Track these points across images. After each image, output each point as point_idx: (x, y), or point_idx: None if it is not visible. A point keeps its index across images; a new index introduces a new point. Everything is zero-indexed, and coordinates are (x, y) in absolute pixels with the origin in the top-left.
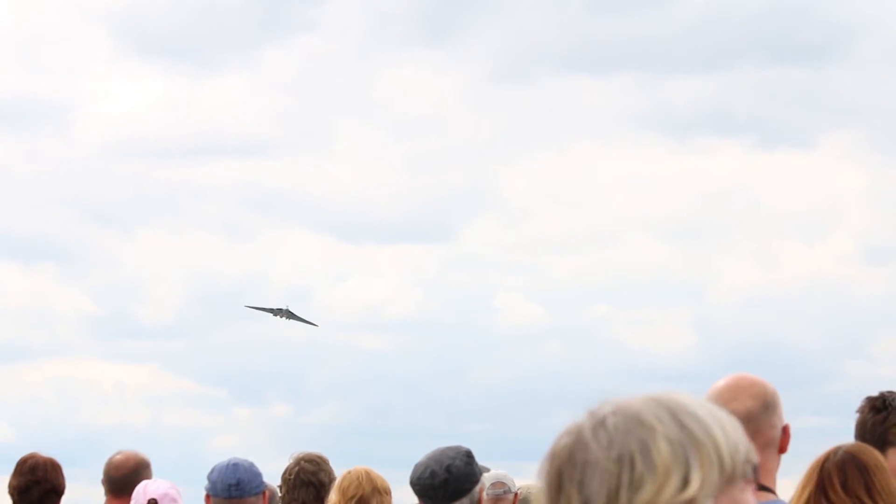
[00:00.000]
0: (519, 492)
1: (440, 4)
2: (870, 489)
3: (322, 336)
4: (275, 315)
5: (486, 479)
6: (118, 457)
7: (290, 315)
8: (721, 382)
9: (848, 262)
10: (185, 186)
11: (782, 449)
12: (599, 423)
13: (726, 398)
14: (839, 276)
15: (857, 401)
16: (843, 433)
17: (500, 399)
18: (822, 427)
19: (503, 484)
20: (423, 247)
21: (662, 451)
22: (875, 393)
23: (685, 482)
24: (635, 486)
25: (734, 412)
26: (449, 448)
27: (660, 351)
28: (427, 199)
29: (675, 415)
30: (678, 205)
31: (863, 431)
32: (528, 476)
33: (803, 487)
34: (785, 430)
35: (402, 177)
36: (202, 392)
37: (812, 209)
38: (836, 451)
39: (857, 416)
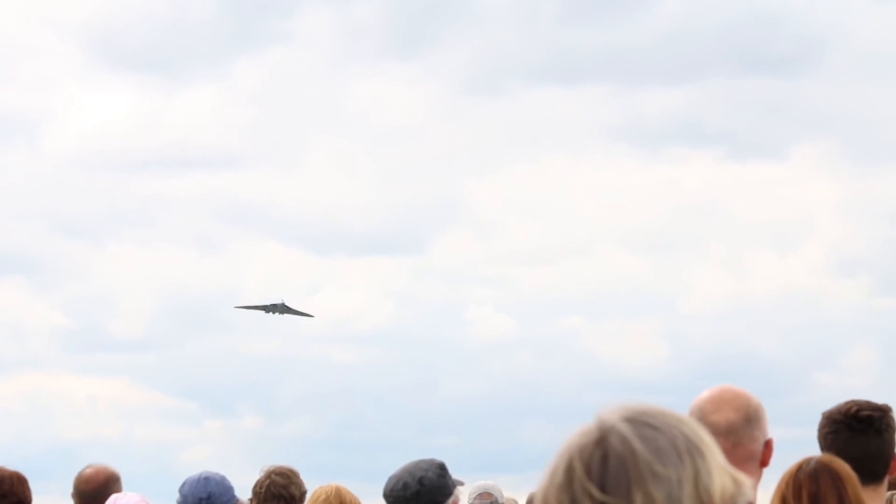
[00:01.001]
0: (505, 503)
1: (412, 17)
2: (842, 499)
3: (293, 348)
4: (267, 312)
5: (473, 490)
6: (88, 470)
7: (284, 309)
8: (705, 393)
9: (819, 273)
10: (156, 199)
11: (764, 463)
12: (630, 420)
13: (708, 409)
14: (810, 288)
15: None
16: (813, 444)
17: (471, 411)
18: (792, 438)
19: (490, 495)
20: (395, 259)
21: (706, 437)
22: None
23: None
24: (706, 471)
25: (715, 423)
26: (422, 461)
27: (631, 362)
28: (398, 212)
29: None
30: (650, 216)
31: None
32: (501, 488)
33: (775, 498)
34: (768, 444)
35: (373, 189)
36: (173, 405)
37: (784, 220)
38: (807, 461)
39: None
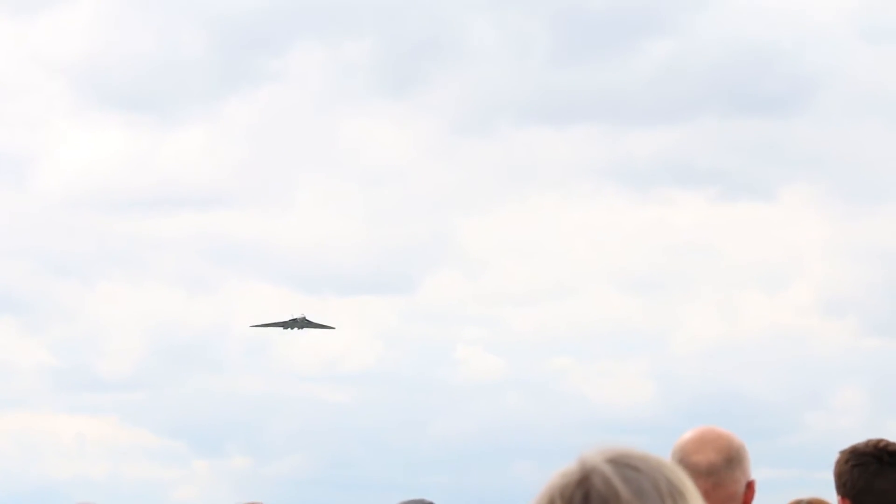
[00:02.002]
0: None
1: (402, 56)
2: None
3: (281, 388)
4: (286, 328)
5: None
6: None
7: (304, 324)
8: (687, 434)
9: (808, 313)
10: (145, 238)
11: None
12: (612, 461)
13: (690, 450)
14: (799, 328)
15: (817, 452)
16: (803, 485)
17: (459, 451)
18: (781, 479)
19: None
20: (384, 298)
21: (687, 481)
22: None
23: None
24: None
25: (697, 464)
26: (411, 500)
27: (620, 402)
28: (388, 251)
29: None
30: (639, 256)
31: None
32: None
33: None
34: (750, 486)
35: (362, 228)
36: (161, 444)
37: (773, 261)
38: (798, 502)
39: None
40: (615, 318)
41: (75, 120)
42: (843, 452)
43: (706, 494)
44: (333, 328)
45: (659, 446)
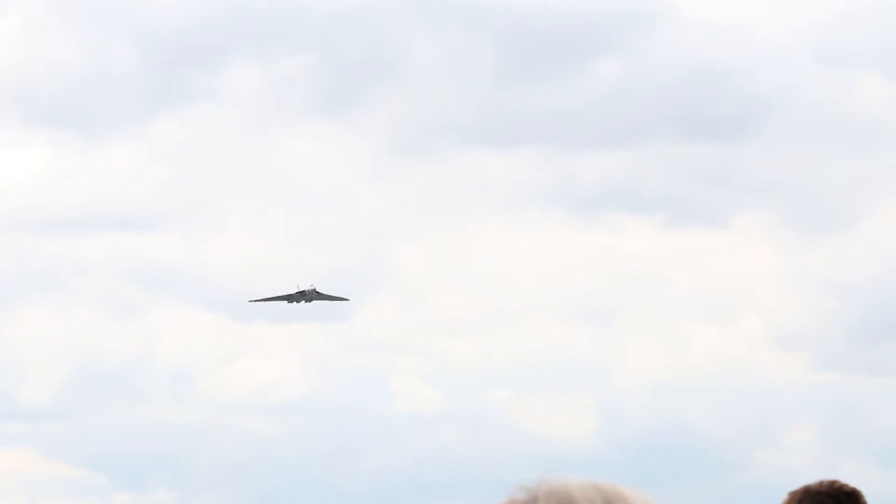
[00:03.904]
0: None
1: (340, 74)
2: None
3: (208, 418)
4: (291, 302)
5: None
6: None
7: (314, 296)
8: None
9: (758, 345)
10: (68, 261)
11: None
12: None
13: None
14: (749, 361)
15: (768, 491)
16: None
17: (393, 486)
18: None
19: None
20: (317, 326)
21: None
22: (793, 486)
23: None
24: None
25: None
26: None
27: (562, 437)
28: (322, 277)
29: (610, 502)
30: (584, 284)
31: None
32: None
33: None
34: None
35: (296, 253)
36: (80, 477)
37: (723, 290)
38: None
39: None
40: (558, 348)
41: None
42: (794, 493)
43: None
44: (348, 300)
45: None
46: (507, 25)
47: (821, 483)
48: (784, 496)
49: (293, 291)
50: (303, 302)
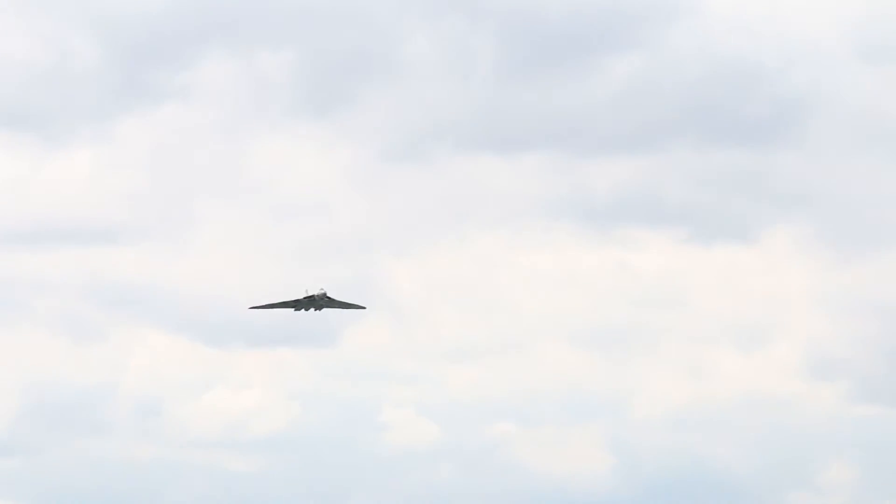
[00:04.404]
0: None
1: (327, 71)
2: None
3: (177, 454)
4: (298, 309)
5: None
6: None
7: (325, 303)
8: None
9: (791, 375)
10: (23, 278)
11: None
12: None
13: None
14: (781, 392)
15: None
16: None
17: None
18: None
19: None
20: (301, 351)
21: None
22: None
23: None
24: None
25: None
26: None
27: (570, 476)
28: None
29: None
30: (596, 306)
31: None
32: None
33: None
34: None
35: (276, 269)
36: None
37: (751, 313)
38: None
39: None
40: (566, 377)
41: None
42: None
43: None
44: (364, 308)
45: None
46: (512, 18)
47: None
48: None
49: (301, 297)
50: (312, 309)
